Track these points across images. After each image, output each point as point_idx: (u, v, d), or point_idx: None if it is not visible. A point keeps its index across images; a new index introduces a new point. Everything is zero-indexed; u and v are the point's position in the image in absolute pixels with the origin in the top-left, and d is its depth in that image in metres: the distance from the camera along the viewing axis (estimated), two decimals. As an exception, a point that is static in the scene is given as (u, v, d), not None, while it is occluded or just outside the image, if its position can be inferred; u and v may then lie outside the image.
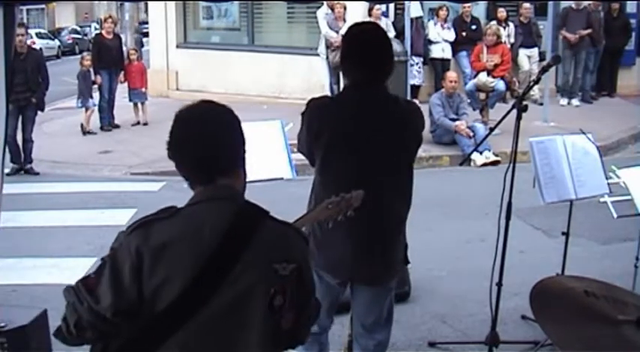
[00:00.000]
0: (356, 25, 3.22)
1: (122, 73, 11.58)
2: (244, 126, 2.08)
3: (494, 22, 11.07)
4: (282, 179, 3.79)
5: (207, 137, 1.98)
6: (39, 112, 9.38)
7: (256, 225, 1.95)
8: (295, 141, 3.20)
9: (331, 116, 2.98)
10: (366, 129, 2.94)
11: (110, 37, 11.61)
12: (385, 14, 11.79)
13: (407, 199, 3.08)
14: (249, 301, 1.89)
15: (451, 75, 9.70)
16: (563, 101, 11.79)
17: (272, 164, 3.79)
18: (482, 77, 10.01)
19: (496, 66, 9.99)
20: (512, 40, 12.14)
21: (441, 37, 12.06)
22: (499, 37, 10.31)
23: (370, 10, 11.37)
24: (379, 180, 2.91)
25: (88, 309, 1.86)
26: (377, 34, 3.07)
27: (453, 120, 9.35)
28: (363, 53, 2.95)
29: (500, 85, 9.96)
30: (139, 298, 1.85)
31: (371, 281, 3.09)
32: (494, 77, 9.98)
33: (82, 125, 11.21)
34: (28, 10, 37.28)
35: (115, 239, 1.93)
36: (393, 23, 11.78)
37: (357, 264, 3.00)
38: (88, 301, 1.86)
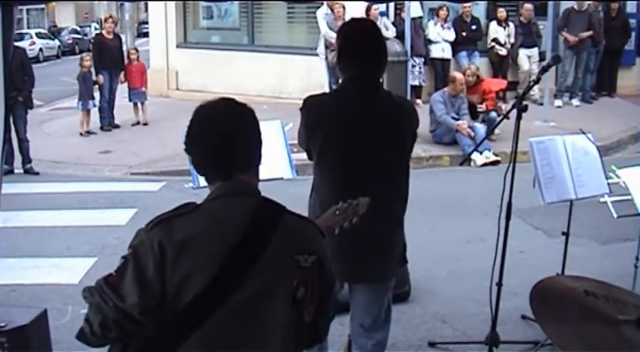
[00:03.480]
0: (352, 21, 3.26)
1: (122, 73, 11.59)
2: None
3: (474, 65, 10.44)
4: (282, 179, 3.79)
5: (226, 135, 1.99)
6: (29, 111, 9.33)
7: (276, 219, 1.96)
8: (295, 141, 3.22)
9: (327, 110, 3.02)
10: (361, 122, 2.97)
11: (110, 37, 11.62)
12: (384, 14, 11.78)
13: (403, 194, 3.10)
14: (273, 294, 1.90)
15: (460, 77, 9.53)
16: (558, 102, 11.75)
17: (272, 164, 3.79)
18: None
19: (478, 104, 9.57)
20: (512, 40, 12.15)
21: (441, 37, 12.05)
22: (479, 76, 9.83)
23: (367, 10, 11.36)
24: (375, 173, 2.93)
25: (113, 308, 1.83)
26: (373, 30, 3.14)
27: (455, 119, 9.33)
28: (362, 49, 3.01)
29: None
30: (163, 294, 1.83)
31: (370, 280, 3.09)
32: (476, 117, 9.55)
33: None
34: (28, 10, 37.29)
35: (134, 236, 1.91)
36: (393, 23, 11.78)
37: (356, 263, 3.00)
38: (113, 300, 1.83)
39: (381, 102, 3.06)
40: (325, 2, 11.44)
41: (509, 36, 12.15)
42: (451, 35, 12.08)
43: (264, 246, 1.90)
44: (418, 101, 11.70)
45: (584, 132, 4.32)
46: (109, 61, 11.35)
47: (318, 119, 3.00)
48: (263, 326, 1.90)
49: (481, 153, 8.76)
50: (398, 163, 3.06)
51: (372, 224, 2.87)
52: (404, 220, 3.17)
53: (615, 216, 4.19)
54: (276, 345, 1.93)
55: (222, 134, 1.98)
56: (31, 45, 27.19)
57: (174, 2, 13.74)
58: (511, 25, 12.19)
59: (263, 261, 1.89)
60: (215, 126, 2.00)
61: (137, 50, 12.54)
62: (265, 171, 3.88)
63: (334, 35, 11.76)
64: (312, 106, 3.04)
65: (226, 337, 1.86)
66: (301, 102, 3.10)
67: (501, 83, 11.34)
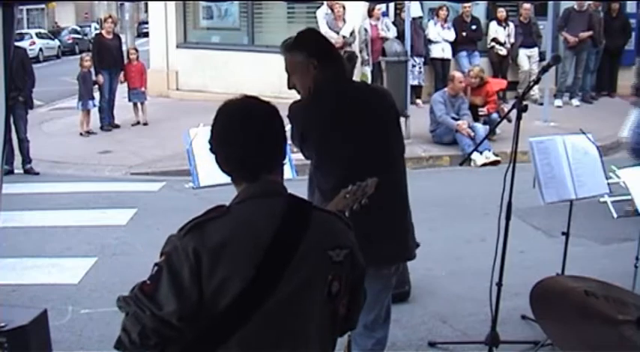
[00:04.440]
0: (307, 31, 3.29)
1: (122, 72, 11.59)
2: None
3: (477, 66, 10.36)
4: (281, 179, 3.80)
5: (253, 134, 1.96)
6: (29, 111, 9.35)
7: (306, 217, 1.96)
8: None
9: (314, 112, 3.07)
10: (352, 115, 3.05)
11: (110, 37, 11.62)
12: (385, 14, 11.79)
13: (403, 176, 3.19)
14: (309, 292, 1.91)
15: (459, 76, 9.56)
16: (558, 102, 11.75)
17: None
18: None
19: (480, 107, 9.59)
20: (512, 40, 12.16)
21: (441, 37, 12.06)
22: (482, 78, 9.80)
23: (371, 10, 11.37)
24: (375, 161, 3.00)
25: (151, 316, 1.83)
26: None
27: (455, 119, 9.33)
28: (334, 48, 3.31)
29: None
30: (200, 300, 1.83)
31: (387, 260, 3.10)
32: (478, 119, 9.53)
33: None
34: (28, 10, 37.27)
35: (165, 242, 1.89)
36: (393, 23, 11.78)
37: (371, 246, 3.00)
38: (150, 308, 1.82)
39: (362, 92, 3.27)
40: (325, 2, 11.45)
41: (509, 36, 12.15)
42: (451, 35, 12.08)
43: (296, 246, 1.90)
44: (418, 101, 11.71)
45: (584, 132, 4.32)
46: (109, 61, 11.35)
47: (304, 125, 3.08)
48: (300, 324, 1.91)
49: (481, 153, 8.76)
50: (394, 148, 3.18)
51: (383, 210, 2.92)
52: (408, 200, 3.22)
53: (615, 216, 4.19)
54: (315, 340, 1.94)
55: (249, 133, 1.96)
56: (31, 45, 27.18)
57: (174, 2, 13.74)
58: (511, 25, 12.19)
59: (297, 261, 1.89)
60: (241, 126, 1.97)
61: (137, 50, 12.52)
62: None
63: (335, 35, 11.85)
64: (297, 114, 3.10)
65: (265, 337, 1.87)
66: (302, 102, 3.15)
67: (501, 83, 11.33)
